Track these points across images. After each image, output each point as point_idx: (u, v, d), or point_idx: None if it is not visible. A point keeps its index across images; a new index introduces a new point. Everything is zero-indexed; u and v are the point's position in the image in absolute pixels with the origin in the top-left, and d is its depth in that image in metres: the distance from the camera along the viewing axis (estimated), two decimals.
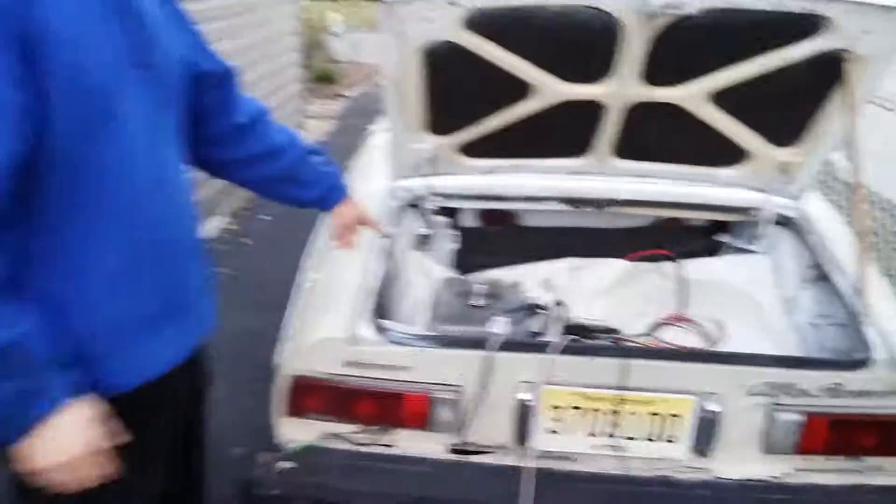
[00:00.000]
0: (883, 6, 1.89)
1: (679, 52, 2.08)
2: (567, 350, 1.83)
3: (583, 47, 2.11)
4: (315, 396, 1.95)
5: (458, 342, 1.93)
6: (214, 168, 1.81)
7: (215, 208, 5.31)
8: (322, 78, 10.62)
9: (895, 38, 1.92)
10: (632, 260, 2.50)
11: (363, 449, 1.96)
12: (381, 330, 1.93)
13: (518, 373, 1.86)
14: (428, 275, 2.45)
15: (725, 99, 2.21)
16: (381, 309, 2.28)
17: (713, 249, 2.73)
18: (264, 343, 2.28)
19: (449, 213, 2.73)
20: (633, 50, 2.05)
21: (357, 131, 5.13)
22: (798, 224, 2.43)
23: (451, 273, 2.55)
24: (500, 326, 1.92)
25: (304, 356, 1.93)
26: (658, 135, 2.39)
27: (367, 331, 1.92)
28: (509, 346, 1.87)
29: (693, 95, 2.20)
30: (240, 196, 5.62)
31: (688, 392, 1.82)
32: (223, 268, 4.89)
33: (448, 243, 2.75)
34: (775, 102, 2.21)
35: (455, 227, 2.79)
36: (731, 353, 1.87)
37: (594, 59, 2.14)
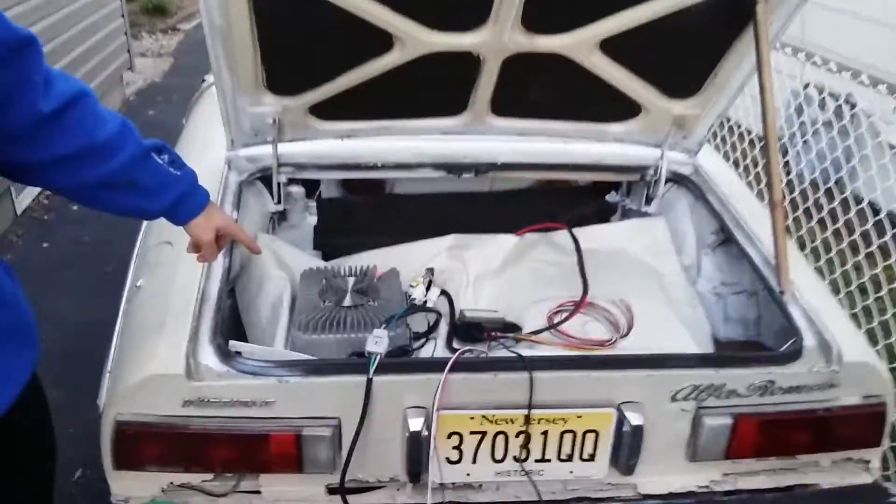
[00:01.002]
0: None
1: None
2: (462, 367, 1.52)
3: None
4: (150, 444, 1.56)
5: (328, 367, 1.58)
6: (15, 173, 1.35)
7: None
8: (153, 10, 9.59)
9: None
10: (520, 233, 2.22)
11: (222, 501, 1.59)
12: (227, 356, 1.54)
13: (405, 397, 1.54)
14: (284, 264, 2.05)
15: (616, 47, 1.92)
16: (235, 316, 1.90)
17: (605, 212, 2.49)
18: (109, 336, 1.88)
19: (305, 185, 2.33)
20: None
21: (197, 71, 4.52)
22: (694, 182, 2.22)
23: (312, 260, 2.17)
24: (377, 342, 1.58)
25: (129, 397, 1.53)
26: (541, 89, 2.09)
27: (209, 358, 1.54)
28: (392, 367, 1.54)
29: (580, 44, 1.90)
30: None
31: (605, 404, 1.57)
32: (47, 242, 4.26)
33: (306, 221, 2.36)
34: (672, 50, 1.94)
35: (314, 200, 2.39)
36: (652, 356, 1.63)
37: (466, 3, 1.79)
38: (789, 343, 1.67)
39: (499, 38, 1.85)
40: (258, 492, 1.62)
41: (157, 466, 1.58)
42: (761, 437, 1.63)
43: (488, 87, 2.04)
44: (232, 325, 1.91)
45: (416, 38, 1.85)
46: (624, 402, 1.57)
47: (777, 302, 1.77)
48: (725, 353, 1.90)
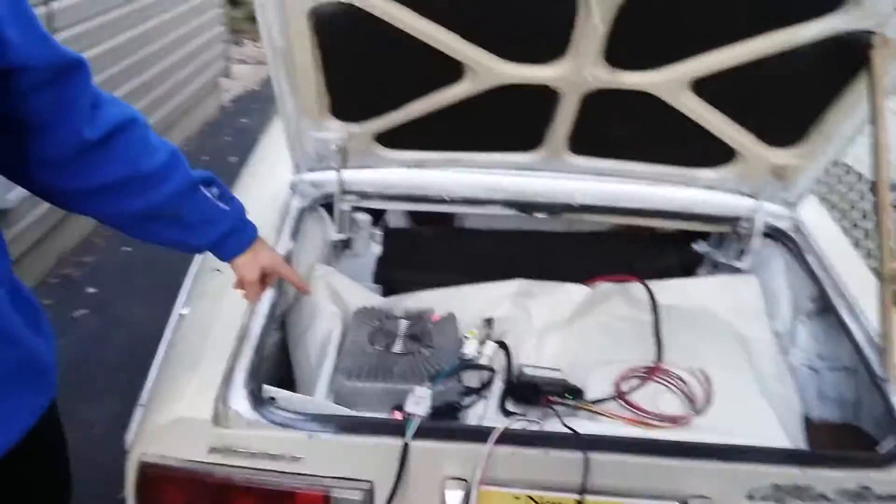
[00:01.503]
0: None
1: (654, 26, 1.60)
2: (509, 439, 1.37)
3: (529, 18, 1.62)
4: (173, 490, 1.47)
5: (362, 426, 1.45)
6: (55, 198, 1.29)
7: None
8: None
9: None
10: (592, 283, 2.04)
11: None
12: (260, 403, 1.44)
13: (445, 466, 1.40)
14: (340, 298, 1.95)
15: (709, 88, 1.74)
16: (285, 351, 1.81)
17: (691, 263, 2.27)
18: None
19: (371, 212, 2.23)
20: (595, 23, 1.56)
21: None
22: (793, 239, 1.98)
23: (370, 295, 2.06)
24: (418, 402, 1.44)
25: (155, 437, 1.44)
26: (624, 127, 1.92)
27: (241, 404, 1.43)
28: (432, 432, 1.40)
29: (669, 83, 1.73)
30: None
31: (670, 497, 1.38)
32: (129, 247, 4.32)
33: (371, 250, 2.25)
34: (772, 95, 1.74)
35: (379, 228, 2.29)
36: (727, 447, 1.43)
37: (543, 34, 1.66)
38: (890, 441, 1.44)
39: (578, 72, 1.70)
40: None
41: None
42: None
43: (566, 122, 1.88)
44: (281, 361, 1.82)
45: (489, 69, 1.72)
46: (692, 497, 1.38)
47: (879, 389, 1.53)
48: (813, 451, 1.67)
